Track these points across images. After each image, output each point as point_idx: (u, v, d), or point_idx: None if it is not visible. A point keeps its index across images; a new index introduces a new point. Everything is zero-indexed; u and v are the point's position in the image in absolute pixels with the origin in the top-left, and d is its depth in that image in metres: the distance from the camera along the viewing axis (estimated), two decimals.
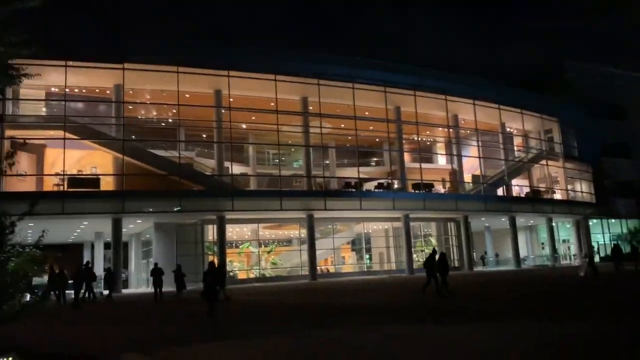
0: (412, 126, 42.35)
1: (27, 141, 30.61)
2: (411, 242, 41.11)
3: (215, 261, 23.62)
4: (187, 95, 35.42)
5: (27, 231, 36.76)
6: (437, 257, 18.79)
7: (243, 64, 34.89)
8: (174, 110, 36.95)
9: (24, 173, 31.91)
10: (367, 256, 46.02)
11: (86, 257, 45.16)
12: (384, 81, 39.14)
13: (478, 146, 45.51)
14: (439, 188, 45.23)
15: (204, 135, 40.61)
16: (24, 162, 33.07)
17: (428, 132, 47.23)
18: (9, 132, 30.74)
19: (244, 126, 39.89)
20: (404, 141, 42.79)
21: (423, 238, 46.33)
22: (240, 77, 35.02)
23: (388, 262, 44.37)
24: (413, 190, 41.28)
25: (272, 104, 36.77)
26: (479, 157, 45.55)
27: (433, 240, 46.06)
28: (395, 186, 41.98)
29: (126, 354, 8.92)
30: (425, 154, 48.05)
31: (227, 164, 37.21)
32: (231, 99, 35.90)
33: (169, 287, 24.90)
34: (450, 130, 44.50)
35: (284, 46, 42.00)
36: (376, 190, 40.68)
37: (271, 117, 37.26)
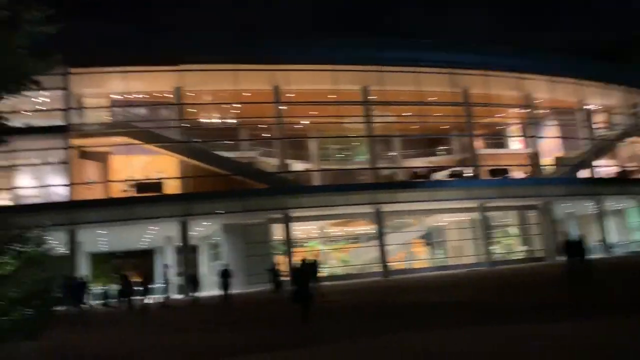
0: (483, 109, 39.65)
1: (93, 149, 30.98)
2: (489, 233, 38.43)
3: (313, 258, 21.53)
4: (246, 94, 34.72)
5: (100, 239, 37.65)
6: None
7: (300, 56, 33.72)
8: (234, 110, 36.40)
9: (91, 181, 32.28)
10: (441, 250, 43.59)
11: (158, 262, 45.67)
12: (449, 62, 36.75)
13: (556, 126, 42.07)
14: (516, 174, 42.14)
15: (265, 135, 39.80)
16: (90, 170, 33.51)
17: (500, 115, 44.11)
18: (75, 142, 31.15)
19: (304, 121, 38.74)
20: (474, 125, 40.14)
21: (502, 228, 43.36)
22: (298, 70, 33.91)
23: (464, 255, 41.76)
24: (488, 177, 38.60)
25: (332, 96, 35.39)
26: (559, 138, 42.11)
27: (513, 230, 43.06)
28: (468, 174, 39.40)
29: None
30: (498, 138, 44.97)
31: (289, 161, 36.25)
32: (291, 95, 34.85)
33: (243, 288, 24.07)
34: (525, 110, 41.36)
35: (339, 35, 40.02)
36: (447, 179, 38.35)
37: (332, 110, 35.92)
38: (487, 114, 40.11)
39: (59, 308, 10.07)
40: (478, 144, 41.43)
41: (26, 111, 29.96)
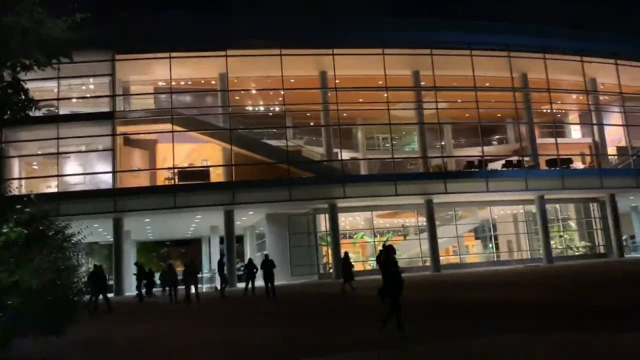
0: (542, 95, 37.16)
1: (139, 137, 30.66)
2: (547, 228, 36.07)
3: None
4: (292, 80, 33.69)
5: (146, 227, 37.67)
6: None
7: (347, 40, 32.27)
8: (280, 98, 35.45)
9: (136, 169, 32.12)
10: (492, 245, 41.43)
11: (204, 252, 45.59)
12: (506, 45, 34.54)
13: (623, 112, 39.05)
14: (578, 164, 39.47)
15: (311, 123, 38.71)
16: (137, 158, 33.38)
17: (561, 101, 41.32)
18: (120, 129, 30.99)
19: (352, 109, 37.38)
20: (532, 113, 37.67)
21: (561, 222, 40.82)
22: (345, 55, 32.54)
23: (519, 250, 39.56)
24: (548, 168, 36.23)
25: (381, 82, 33.89)
26: (625, 126, 39.12)
27: (572, 224, 40.53)
28: (525, 164, 37.09)
29: None
30: (559, 125, 42.16)
31: (336, 150, 35.08)
32: (337, 80, 33.58)
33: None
34: (589, 96, 38.57)
35: (388, 16, 37.86)
36: (503, 169, 36.24)
37: (380, 96, 34.45)
38: (548, 99, 37.54)
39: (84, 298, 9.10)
40: (536, 132, 38.97)
41: (72, 98, 30.01)
